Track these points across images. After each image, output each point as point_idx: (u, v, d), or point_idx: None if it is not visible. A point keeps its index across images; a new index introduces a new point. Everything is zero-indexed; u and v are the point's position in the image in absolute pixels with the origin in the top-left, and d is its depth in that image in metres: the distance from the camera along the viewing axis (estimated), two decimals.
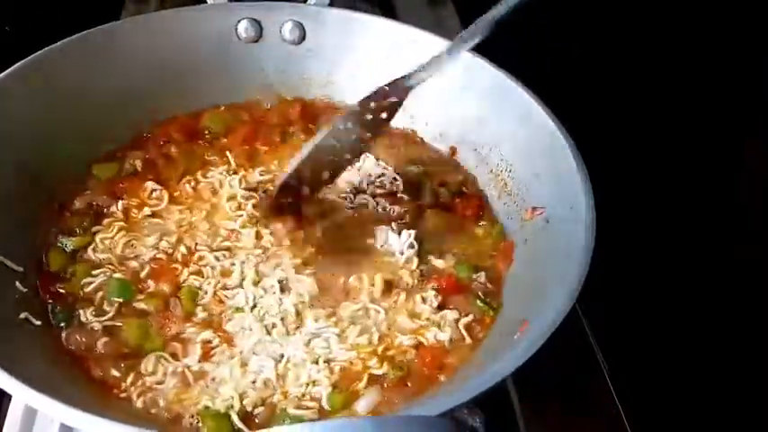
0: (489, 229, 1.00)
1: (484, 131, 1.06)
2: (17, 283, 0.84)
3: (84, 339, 0.82)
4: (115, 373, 0.80)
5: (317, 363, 0.82)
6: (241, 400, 0.78)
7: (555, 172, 0.92)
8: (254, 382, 0.80)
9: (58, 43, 1.00)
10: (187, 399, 0.78)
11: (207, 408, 0.77)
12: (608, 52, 1.20)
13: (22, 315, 0.82)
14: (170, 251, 0.92)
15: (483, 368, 0.76)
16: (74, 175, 1.00)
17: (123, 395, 0.78)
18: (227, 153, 1.06)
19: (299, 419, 0.77)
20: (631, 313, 1.05)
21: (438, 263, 0.95)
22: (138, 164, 1.02)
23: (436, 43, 1.07)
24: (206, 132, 1.10)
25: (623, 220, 1.02)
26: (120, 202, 0.97)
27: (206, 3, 1.14)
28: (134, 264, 0.91)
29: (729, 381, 0.98)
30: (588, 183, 0.86)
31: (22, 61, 0.96)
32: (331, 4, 1.15)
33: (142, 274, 0.89)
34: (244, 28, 1.12)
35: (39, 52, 0.98)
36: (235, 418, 0.77)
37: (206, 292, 0.88)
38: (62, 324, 0.84)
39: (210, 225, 0.96)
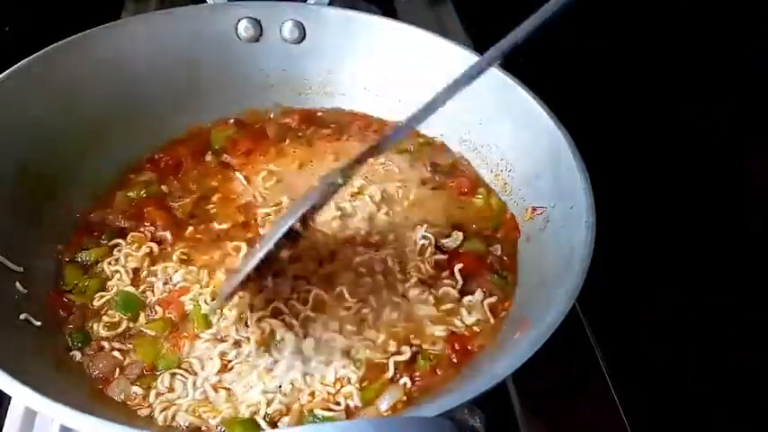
0: (487, 199, 1.01)
1: (484, 131, 1.07)
2: (17, 284, 0.84)
3: (106, 363, 0.81)
4: (136, 390, 0.79)
5: (347, 355, 0.82)
6: (267, 405, 0.77)
7: (555, 172, 0.92)
8: (280, 386, 0.79)
9: (58, 43, 1.00)
10: (209, 410, 0.78)
11: (232, 416, 0.76)
12: (609, 52, 1.20)
13: (23, 316, 0.82)
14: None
15: (484, 368, 0.76)
16: (75, 177, 0.99)
17: (145, 412, 0.78)
18: (237, 174, 1.05)
19: (330, 420, 0.77)
20: (631, 313, 1.05)
21: (446, 241, 0.95)
22: (165, 188, 1.01)
23: (436, 43, 1.07)
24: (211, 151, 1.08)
25: (623, 219, 1.01)
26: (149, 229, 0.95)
27: (206, 3, 1.14)
28: (147, 288, 0.89)
29: (729, 380, 0.99)
30: (588, 183, 0.86)
31: (23, 61, 0.96)
32: (331, 4, 1.15)
33: (152, 300, 0.87)
34: (244, 27, 1.12)
35: (39, 52, 0.98)
36: (262, 422, 0.76)
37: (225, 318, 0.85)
38: (80, 347, 0.83)
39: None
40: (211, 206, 1.00)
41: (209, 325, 0.84)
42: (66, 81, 1.00)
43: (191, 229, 0.96)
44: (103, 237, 0.94)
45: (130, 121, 1.07)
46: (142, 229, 0.95)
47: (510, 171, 1.02)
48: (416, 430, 0.58)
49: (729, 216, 1.00)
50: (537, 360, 0.68)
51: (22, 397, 0.65)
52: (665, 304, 1.02)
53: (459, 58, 1.07)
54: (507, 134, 1.02)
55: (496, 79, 1.03)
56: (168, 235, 0.95)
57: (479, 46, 1.03)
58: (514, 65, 1.03)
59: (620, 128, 1.15)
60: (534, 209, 0.94)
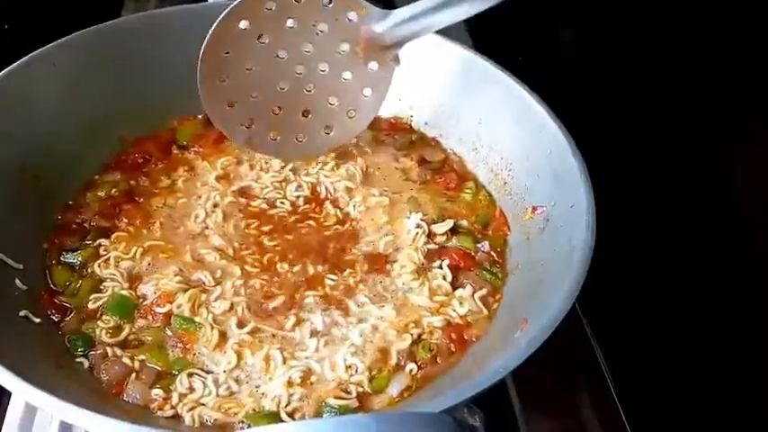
0: (476, 194, 1.03)
1: (483, 131, 1.07)
2: (17, 281, 0.85)
3: (117, 370, 0.80)
4: (157, 393, 0.79)
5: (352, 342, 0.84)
6: (289, 398, 0.78)
7: (555, 171, 0.92)
8: (292, 375, 0.80)
9: (58, 41, 1.00)
10: (233, 406, 0.78)
11: (255, 411, 0.77)
12: (608, 51, 1.20)
13: (22, 313, 0.82)
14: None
15: (484, 366, 0.76)
16: (75, 175, 1.00)
17: (168, 413, 0.78)
18: (205, 162, 1.05)
19: (346, 408, 0.78)
20: (631, 313, 1.05)
21: (435, 227, 0.97)
22: (133, 183, 1.01)
23: (436, 43, 1.07)
24: (178, 144, 1.08)
25: (623, 219, 1.01)
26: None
27: (206, 2, 1.14)
28: (143, 288, 0.88)
29: (729, 380, 0.98)
30: (588, 182, 0.86)
31: (22, 59, 0.96)
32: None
33: (147, 302, 0.87)
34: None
35: (39, 50, 0.98)
36: (284, 415, 0.77)
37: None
38: (84, 352, 0.82)
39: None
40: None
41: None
42: (66, 80, 1.01)
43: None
44: (88, 237, 0.93)
45: (130, 120, 1.07)
46: (122, 227, 0.95)
47: (510, 170, 1.02)
48: (418, 426, 0.57)
49: (730, 216, 1.00)
50: (537, 360, 0.69)
51: (22, 392, 0.65)
52: (665, 304, 1.02)
53: (459, 58, 1.07)
54: (507, 134, 1.02)
55: (496, 78, 1.03)
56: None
57: (479, 46, 1.03)
58: (514, 64, 1.03)
59: (621, 127, 1.15)
60: (534, 208, 0.94)
